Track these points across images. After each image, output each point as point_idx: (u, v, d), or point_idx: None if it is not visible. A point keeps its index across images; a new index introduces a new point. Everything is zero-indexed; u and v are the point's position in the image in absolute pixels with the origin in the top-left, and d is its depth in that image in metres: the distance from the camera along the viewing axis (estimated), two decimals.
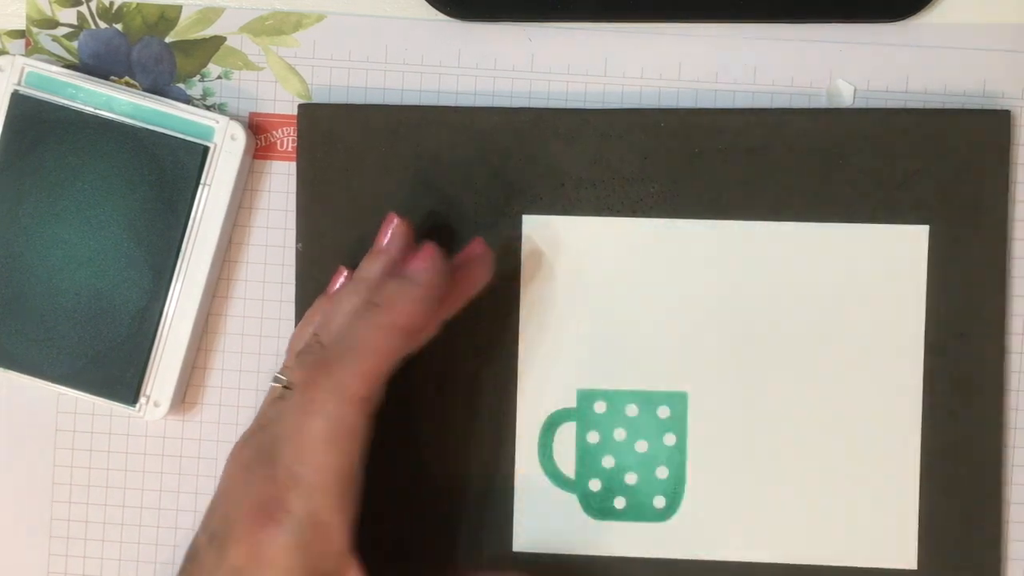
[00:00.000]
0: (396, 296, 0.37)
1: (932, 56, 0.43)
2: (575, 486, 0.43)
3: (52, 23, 0.44)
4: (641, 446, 0.43)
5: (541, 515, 0.43)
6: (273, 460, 0.36)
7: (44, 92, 0.43)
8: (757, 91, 0.43)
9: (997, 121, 0.42)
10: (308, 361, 0.37)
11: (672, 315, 0.42)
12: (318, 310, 0.41)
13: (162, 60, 0.44)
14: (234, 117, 0.43)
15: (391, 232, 0.40)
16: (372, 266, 0.39)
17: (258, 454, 0.37)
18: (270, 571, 0.35)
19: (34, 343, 0.43)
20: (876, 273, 0.42)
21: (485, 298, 0.43)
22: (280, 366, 0.40)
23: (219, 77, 0.44)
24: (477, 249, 0.40)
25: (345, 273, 0.41)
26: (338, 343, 0.37)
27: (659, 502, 0.43)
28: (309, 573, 0.35)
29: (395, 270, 0.38)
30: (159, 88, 0.44)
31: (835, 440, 0.42)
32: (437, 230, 0.43)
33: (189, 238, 0.42)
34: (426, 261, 0.37)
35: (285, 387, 0.37)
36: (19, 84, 0.43)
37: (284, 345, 0.43)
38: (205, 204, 0.42)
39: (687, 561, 0.42)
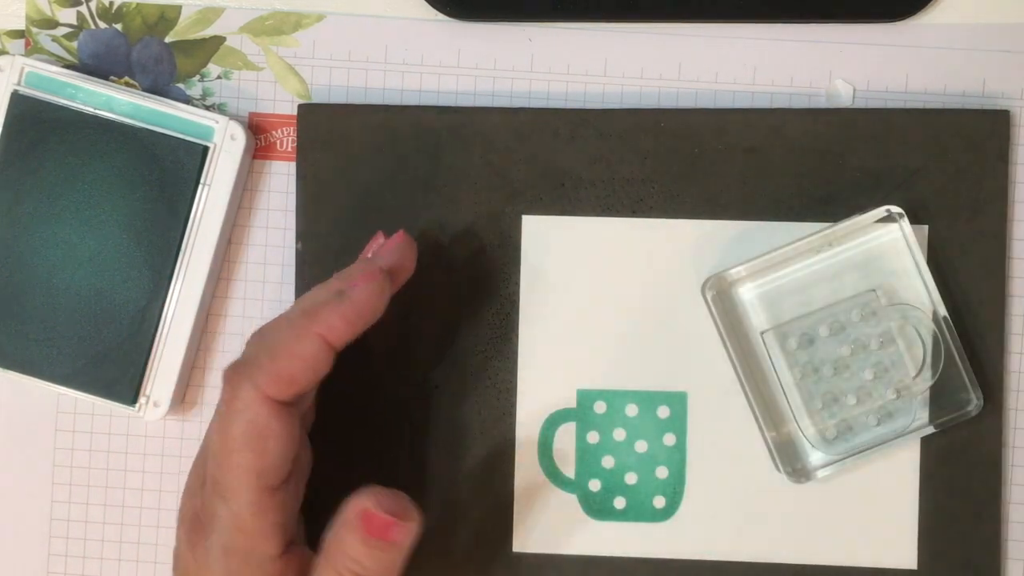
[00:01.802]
0: (323, 307, 0.35)
1: (932, 56, 0.43)
2: (575, 486, 0.43)
3: (52, 23, 0.44)
4: (641, 446, 0.43)
5: (541, 515, 0.43)
6: (204, 469, 0.36)
7: (44, 92, 0.43)
8: (757, 91, 0.43)
9: (997, 121, 0.42)
10: (233, 364, 0.36)
11: (672, 315, 0.42)
12: None
13: (162, 60, 0.44)
14: (234, 117, 0.43)
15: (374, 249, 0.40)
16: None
17: (195, 468, 0.38)
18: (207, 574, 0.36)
19: (34, 343, 0.43)
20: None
21: (485, 298, 0.43)
22: None
23: (219, 77, 0.44)
24: (397, 239, 0.39)
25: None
26: (258, 345, 0.36)
27: (659, 502, 0.43)
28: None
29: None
30: (159, 88, 0.44)
31: None
32: (437, 230, 0.43)
33: (189, 238, 0.42)
34: (368, 280, 0.36)
35: None
36: (19, 84, 0.43)
37: None
38: (205, 204, 0.42)
39: (687, 561, 0.42)
